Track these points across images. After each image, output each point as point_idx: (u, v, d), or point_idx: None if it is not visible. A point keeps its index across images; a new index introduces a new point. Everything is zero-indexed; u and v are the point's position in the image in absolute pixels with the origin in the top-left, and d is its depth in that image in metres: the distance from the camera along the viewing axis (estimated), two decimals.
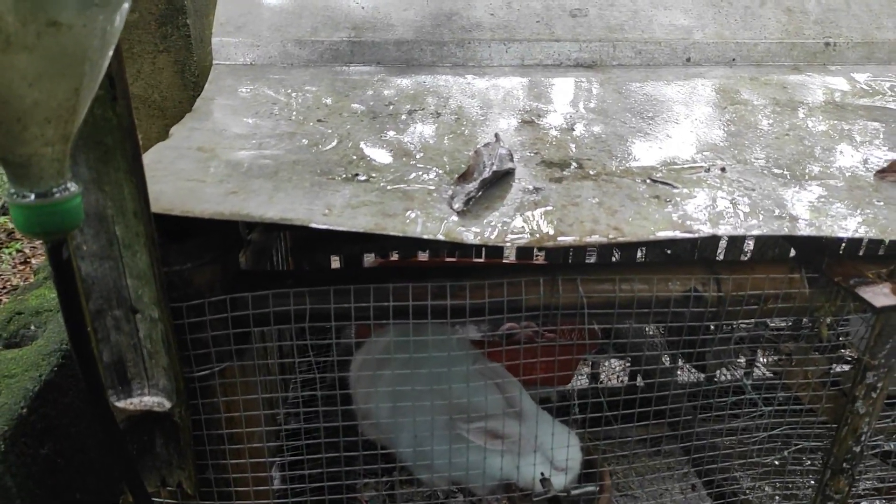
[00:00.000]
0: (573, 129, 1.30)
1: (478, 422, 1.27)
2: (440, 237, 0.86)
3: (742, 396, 1.36)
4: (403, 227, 0.88)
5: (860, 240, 1.92)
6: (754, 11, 1.68)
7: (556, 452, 1.34)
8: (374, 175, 1.06)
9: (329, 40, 1.53)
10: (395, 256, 2.28)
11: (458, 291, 0.98)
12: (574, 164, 1.16)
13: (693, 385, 1.55)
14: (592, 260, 2.54)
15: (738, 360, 2.06)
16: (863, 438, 1.10)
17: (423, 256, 2.25)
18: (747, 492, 1.51)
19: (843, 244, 1.67)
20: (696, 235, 0.91)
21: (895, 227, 0.98)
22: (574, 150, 1.21)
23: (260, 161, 1.06)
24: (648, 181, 1.09)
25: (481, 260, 2.22)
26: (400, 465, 1.51)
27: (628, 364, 2.26)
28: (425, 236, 0.86)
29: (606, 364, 2.35)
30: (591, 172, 1.12)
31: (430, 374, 1.15)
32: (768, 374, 1.92)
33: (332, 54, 1.53)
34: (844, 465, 1.13)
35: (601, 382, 2.36)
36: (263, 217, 0.86)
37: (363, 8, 1.59)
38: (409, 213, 0.93)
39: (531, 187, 1.07)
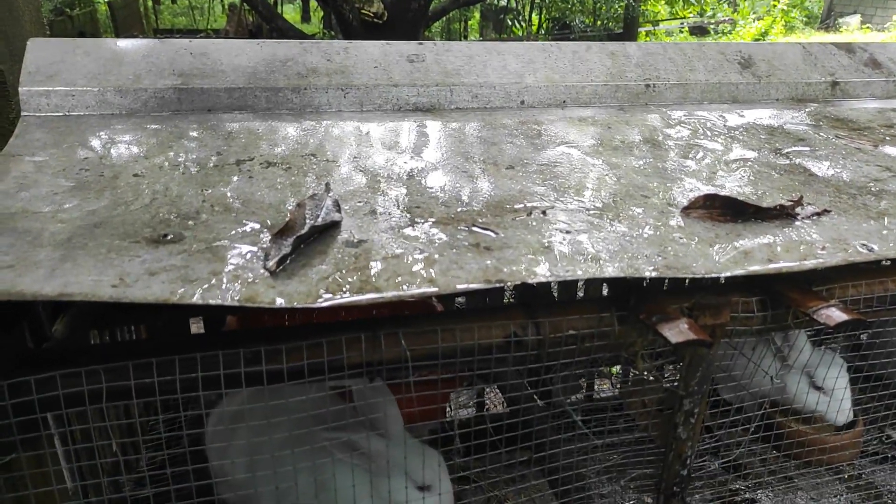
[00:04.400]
0: (407, 176, 1.30)
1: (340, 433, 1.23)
2: (242, 303, 0.82)
3: (580, 429, 1.40)
4: (202, 294, 0.83)
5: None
6: (581, 56, 1.78)
7: (425, 477, 1.32)
8: (186, 235, 1.00)
9: (154, 87, 1.45)
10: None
11: (276, 355, 0.93)
12: (404, 212, 1.15)
13: (544, 413, 1.59)
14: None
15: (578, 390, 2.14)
16: (688, 462, 1.16)
17: None
18: None
19: (666, 280, 1.77)
20: (506, 285, 0.92)
21: (694, 263, 1.05)
22: (405, 197, 1.21)
23: (52, 227, 0.97)
24: (471, 228, 1.10)
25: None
26: None
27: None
28: (224, 303, 0.81)
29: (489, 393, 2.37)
30: (419, 220, 1.12)
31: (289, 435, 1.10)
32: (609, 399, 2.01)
33: (158, 103, 1.45)
34: (675, 488, 1.18)
35: (486, 410, 2.37)
36: (38, 294, 0.78)
37: (191, 54, 1.53)
38: (213, 277, 0.88)
39: (355, 239, 1.05)
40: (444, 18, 11.20)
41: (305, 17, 15.30)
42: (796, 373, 1.70)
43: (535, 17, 12.64)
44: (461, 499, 1.46)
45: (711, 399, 1.28)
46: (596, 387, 2.27)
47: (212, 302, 0.81)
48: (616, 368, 2.48)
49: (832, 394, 1.68)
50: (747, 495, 1.76)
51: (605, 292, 2.21)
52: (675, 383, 1.19)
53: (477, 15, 13.54)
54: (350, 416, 1.35)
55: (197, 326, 2.23)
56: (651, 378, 1.21)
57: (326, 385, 1.37)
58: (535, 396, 1.44)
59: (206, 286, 0.85)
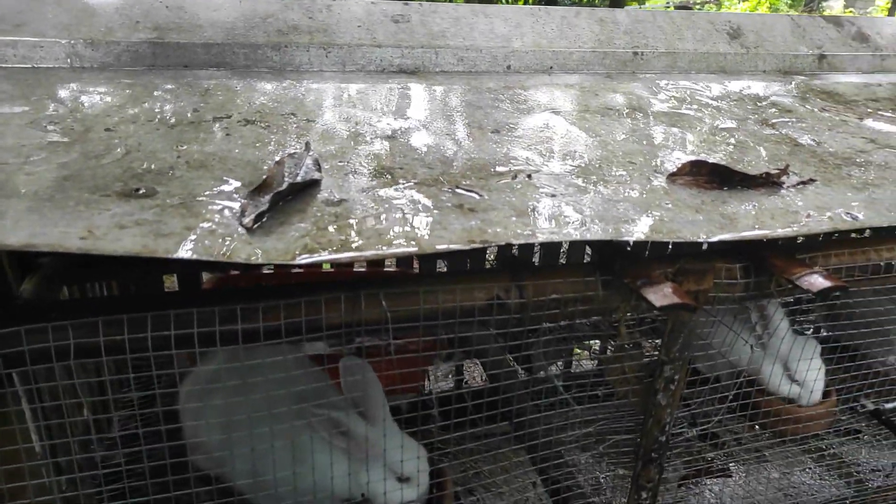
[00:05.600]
0: (389, 137, 1.27)
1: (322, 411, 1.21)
2: (218, 258, 0.79)
3: (560, 395, 1.40)
4: (176, 248, 0.80)
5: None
6: (570, 21, 1.75)
7: (403, 465, 1.31)
8: (159, 190, 0.97)
9: (127, 41, 1.39)
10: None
11: (254, 314, 0.91)
12: (385, 173, 1.12)
13: (524, 383, 1.59)
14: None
15: (560, 357, 2.14)
16: (667, 429, 1.16)
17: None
18: (581, 482, 1.55)
19: (649, 246, 1.77)
20: (490, 245, 0.90)
21: (681, 228, 1.04)
22: (387, 158, 1.18)
23: (18, 178, 0.93)
24: (455, 190, 1.08)
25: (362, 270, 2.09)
26: (239, 499, 1.41)
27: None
28: (199, 258, 0.79)
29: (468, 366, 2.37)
30: (401, 182, 1.10)
31: (264, 397, 1.08)
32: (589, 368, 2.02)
33: (131, 57, 1.40)
34: (653, 454, 1.18)
35: (465, 384, 2.37)
36: (2, 244, 0.74)
37: (167, 7, 1.48)
38: (188, 233, 0.85)
39: (335, 198, 1.02)
40: None
41: None
42: (770, 359, 1.70)
43: None
44: (439, 470, 1.45)
45: (689, 368, 1.29)
46: (575, 359, 2.28)
47: (185, 256, 0.78)
48: (595, 343, 2.50)
49: (804, 384, 1.70)
50: (720, 466, 1.78)
51: (587, 260, 2.21)
52: (656, 352, 1.19)
53: None
54: (328, 386, 1.33)
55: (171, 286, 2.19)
56: (631, 346, 1.21)
57: (304, 348, 1.35)
58: (516, 364, 1.44)
59: (179, 241, 0.82)
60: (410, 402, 1.64)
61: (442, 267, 2.46)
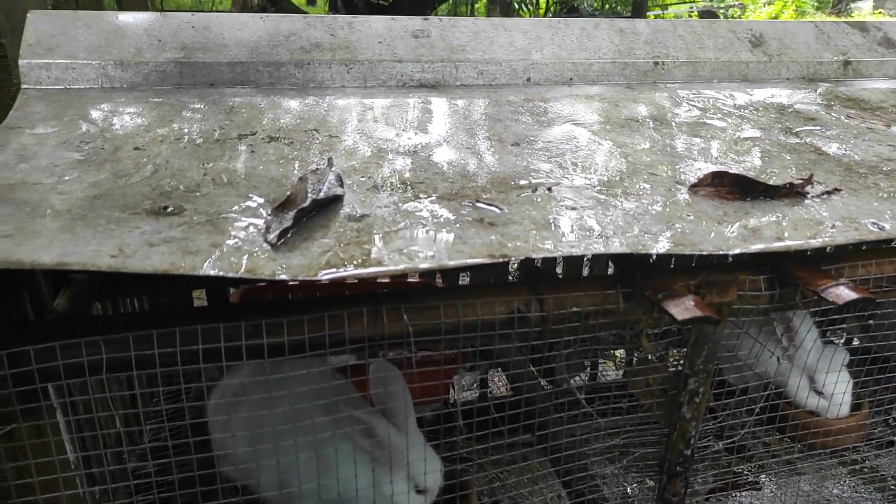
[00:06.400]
0: (410, 152, 1.28)
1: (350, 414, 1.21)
2: (243, 275, 0.81)
3: (583, 407, 1.39)
4: (202, 265, 0.82)
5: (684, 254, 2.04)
6: (589, 32, 1.76)
7: (420, 474, 1.31)
8: (186, 207, 0.99)
9: (155, 61, 1.43)
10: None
11: (278, 328, 0.92)
12: (407, 187, 1.14)
13: (547, 395, 1.58)
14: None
15: (583, 369, 2.13)
16: (692, 442, 1.15)
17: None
18: (607, 495, 1.54)
19: (672, 258, 1.75)
20: (510, 260, 0.91)
21: (702, 240, 1.03)
22: (409, 172, 1.19)
23: (52, 198, 0.96)
24: (476, 204, 1.09)
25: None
26: None
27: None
28: (225, 275, 0.80)
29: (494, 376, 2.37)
30: (422, 196, 1.11)
31: (291, 411, 1.10)
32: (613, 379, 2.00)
33: (159, 76, 1.44)
34: (678, 468, 1.17)
35: (490, 394, 2.37)
36: (36, 263, 0.77)
37: (193, 28, 1.51)
38: (214, 250, 0.87)
39: (358, 213, 1.04)
40: (451, 1, 11.09)
41: (311, 1, 15.17)
42: (797, 372, 1.67)
43: (542, 1, 12.50)
44: (465, 480, 1.45)
45: (716, 380, 1.27)
46: (600, 369, 2.27)
47: (212, 273, 0.80)
48: (620, 352, 2.48)
49: (832, 398, 1.66)
50: (751, 478, 1.76)
51: (610, 272, 2.19)
52: (680, 364, 1.18)
53: None
54: (353, 397, 1.34)
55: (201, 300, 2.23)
56: (656, 358, 1.20)
57: (329, 361, 1.36)
58: (539, 376, 1.43)
59: (206, 258, 0.84)
60: (434, 413, 1.65)
61: (467, 278, 2.47)
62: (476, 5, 13.69)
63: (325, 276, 0.85)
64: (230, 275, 0.81)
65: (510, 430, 1.29)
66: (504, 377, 2.16)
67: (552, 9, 12.49)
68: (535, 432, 1.22)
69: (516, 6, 12.73)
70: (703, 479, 1.80)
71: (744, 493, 1.85)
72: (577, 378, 1.93)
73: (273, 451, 1.17)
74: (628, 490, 1.71)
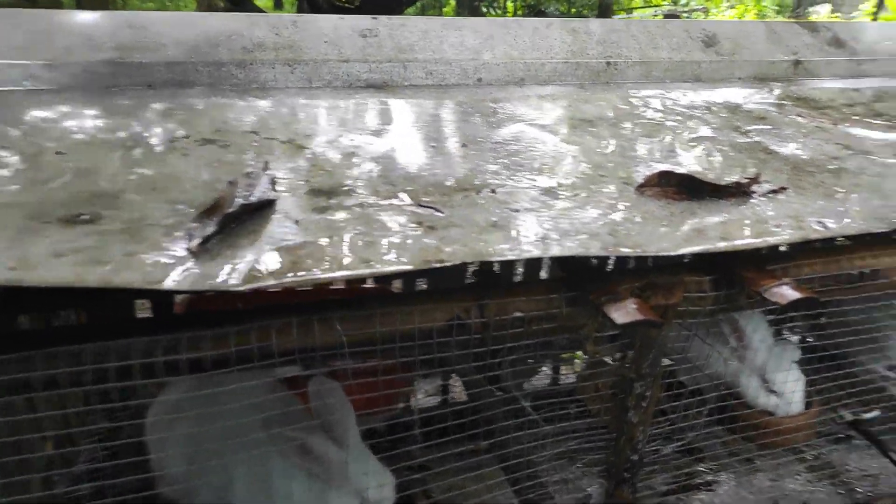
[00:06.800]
0: (353, 154, 1.24)
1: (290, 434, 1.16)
2: (150, 287, 0.76)
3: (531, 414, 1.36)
4: (111, 277, 0.76)
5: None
6: (542, 32, 1.73)
7: (367, 488, 1.27)
8: (104, 215, 0.93)
9: (87, 61, 1.37)
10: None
11: (202, 343, 0.87)
12: (344, 191, 1.10)
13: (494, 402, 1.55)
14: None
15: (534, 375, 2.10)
16: (639, 447, 1.12)
17: None
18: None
19: (614, 261, 1.71)
20: (445, 265, 0.87)
21: (646, 241, 1.01)
22: (348, 176, 1.15)
23: None
24: (416, 207, 1.05)
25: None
26: None
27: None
28: (131, 286, 0.75)
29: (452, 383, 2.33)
30: (360, 200, 1.07)
31: (228, 427, 1.04)
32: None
33: (90, 78, 1.37)
34: (626, 474, 1.14)
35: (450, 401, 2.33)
36: None
37: (130, 27, 1.45)
38: (127, 259, 0.82)
39: (290, 220, 0.99)
40: (419, 5, 11.06)
41: (278, 4, 14.98)
42: (747, 371, 1.66)
43: (510, 5, 12.54)
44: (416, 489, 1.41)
45: (666, 382, 1.25)
46: (559, 373, 2.24)
47: (120, 285, 0.75)
48: (580, 353, 2.46)
49: (783, 397, 1.66)
50: (708, 478, 1.74)
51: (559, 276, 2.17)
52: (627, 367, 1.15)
53: (452, 2, 13.39)
54: (295, 412, 1.29)
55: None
56: (605, 362, 1.18)
57: (269, 374, 1.31)
58: (486, 383, 1.40)
59: (117, 268, 0.79)
60: (387, 423, 1.60)
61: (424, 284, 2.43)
62: (444, 9, 13.69)
63: (247, 287, 0.81)
64: (136, 287, 0.76)
65: (461, 438, 1.25)
66: (461, 384, 2.12)
67: (520, 12, 12.55)
68: (483, 439, 1.18)
69: (483, 10, 12.76)
70: (662, 481, 1.79)
71: (701, 494, 1.84)
72: (526, 384, 1.90)
73: (210, 470, 1.12)
74: (580, 496, 1.69)
